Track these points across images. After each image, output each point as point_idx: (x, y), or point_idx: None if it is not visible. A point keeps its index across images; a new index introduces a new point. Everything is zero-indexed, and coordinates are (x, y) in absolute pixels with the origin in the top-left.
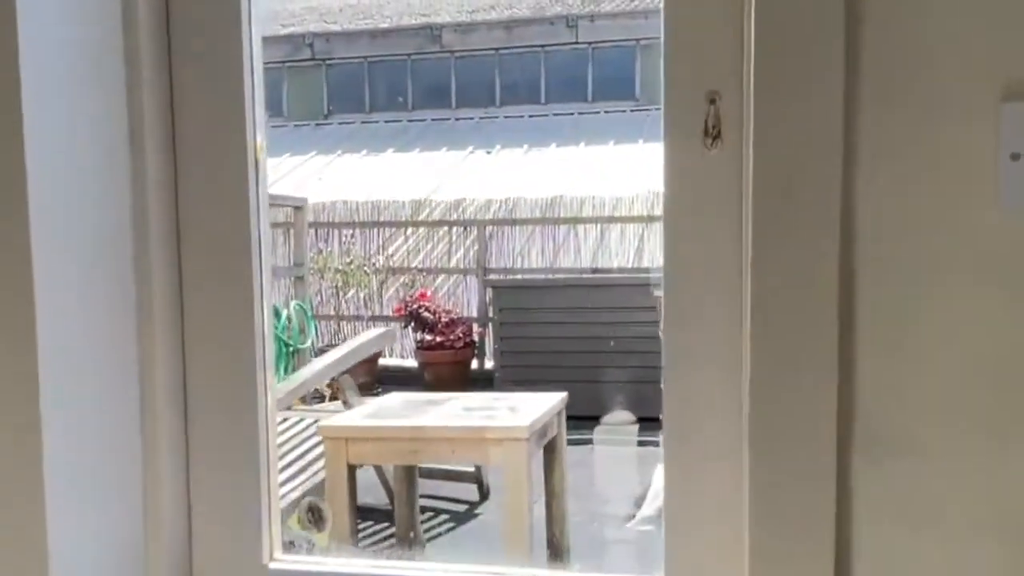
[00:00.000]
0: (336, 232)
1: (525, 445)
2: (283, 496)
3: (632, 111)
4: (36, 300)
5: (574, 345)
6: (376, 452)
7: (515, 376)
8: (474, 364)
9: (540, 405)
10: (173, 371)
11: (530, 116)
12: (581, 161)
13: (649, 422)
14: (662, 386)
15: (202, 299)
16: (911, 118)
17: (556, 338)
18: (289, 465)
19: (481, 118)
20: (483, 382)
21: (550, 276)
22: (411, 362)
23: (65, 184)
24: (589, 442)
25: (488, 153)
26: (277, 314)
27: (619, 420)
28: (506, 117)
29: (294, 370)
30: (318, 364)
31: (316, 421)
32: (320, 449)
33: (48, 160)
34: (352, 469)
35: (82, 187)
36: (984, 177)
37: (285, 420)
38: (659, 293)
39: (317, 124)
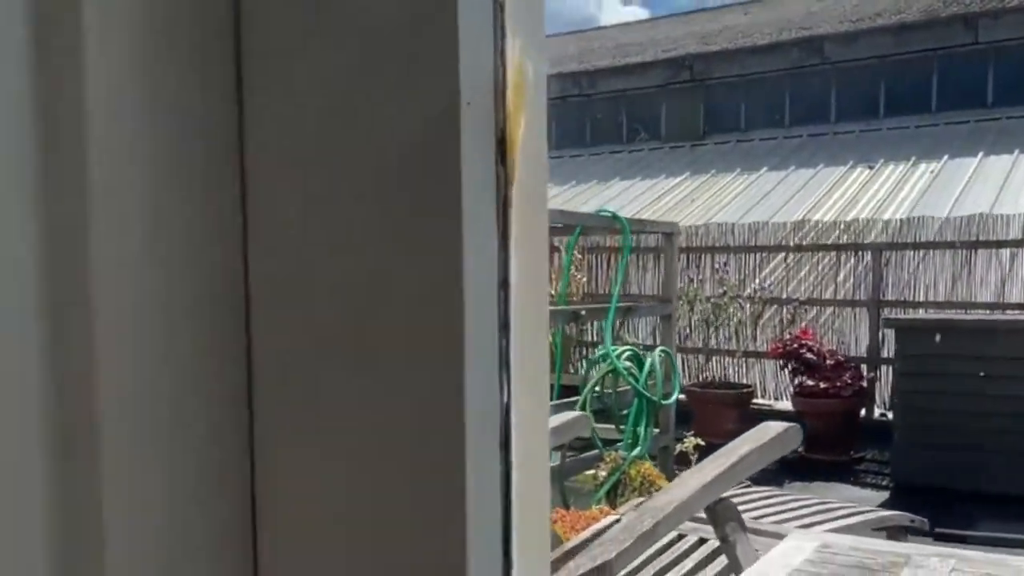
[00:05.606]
0: (707, 257)
1: None
2: None
3: None
4: None
5: (999, 406)
6: None
7: (918, 438)
8: (862, 412)
9: None
10: None
11: (917, 127)
12: (989, 173)
13: None
14: None
15: None
16: None
17: (975, 395)
18: None
19: (862, 131)
20: (875, 437)
21: (966, 314)
22: (784, 404)
23: None
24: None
25: (870, 168)
26: (639, 362)
27: None
28: (889, 129)
29: (656, 426)
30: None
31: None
32: None
33: None
34: None
35: None
36: None
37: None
38: None
39: (692, 145)
